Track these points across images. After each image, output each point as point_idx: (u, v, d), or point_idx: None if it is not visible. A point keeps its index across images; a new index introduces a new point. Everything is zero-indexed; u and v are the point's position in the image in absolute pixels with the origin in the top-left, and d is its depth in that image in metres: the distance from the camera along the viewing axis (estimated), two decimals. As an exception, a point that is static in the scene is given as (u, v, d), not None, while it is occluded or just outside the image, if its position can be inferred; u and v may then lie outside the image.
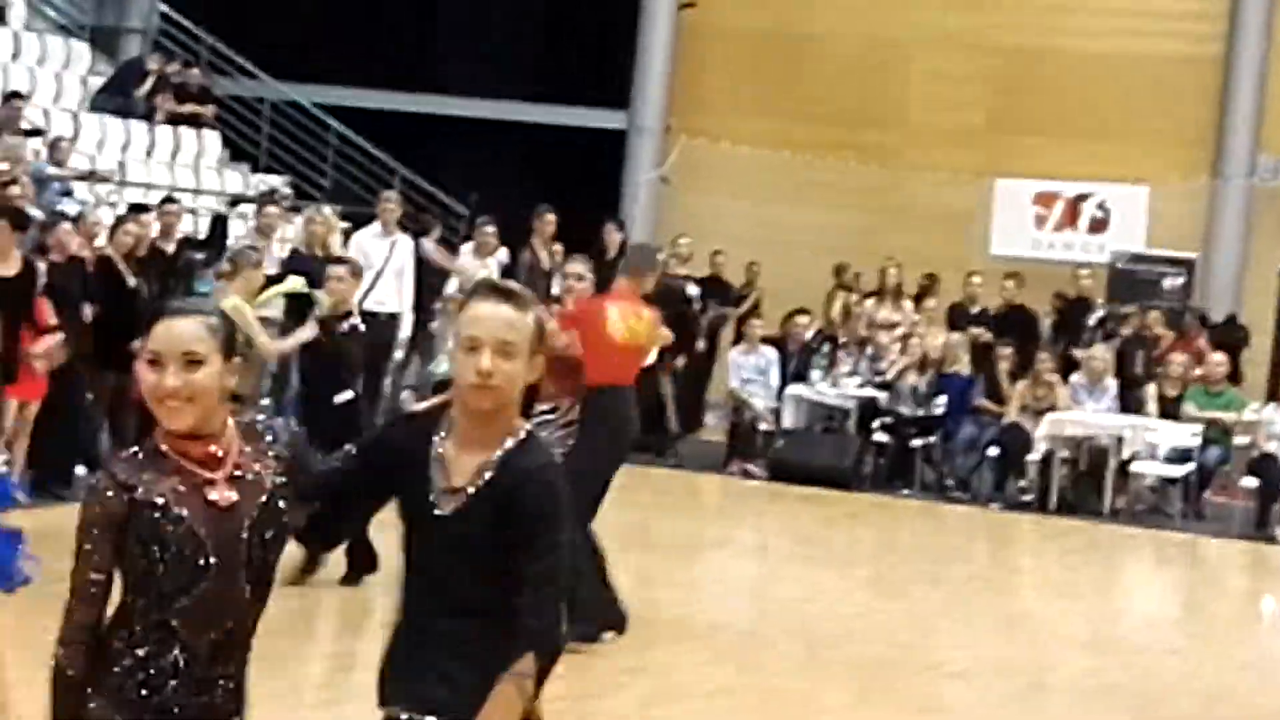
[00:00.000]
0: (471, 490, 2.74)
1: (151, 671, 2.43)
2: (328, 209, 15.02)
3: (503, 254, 14.23)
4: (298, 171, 17.53)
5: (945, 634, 9.81)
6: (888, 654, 8.68)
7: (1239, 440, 14.20)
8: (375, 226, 13.98)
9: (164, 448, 2.44)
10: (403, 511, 2.85)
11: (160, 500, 2.39)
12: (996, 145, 16.81)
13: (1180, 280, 15.68)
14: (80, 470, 10.56)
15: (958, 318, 15.15)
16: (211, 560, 2.38)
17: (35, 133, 14.94)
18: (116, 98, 17.07)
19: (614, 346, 7.23)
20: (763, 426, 14.99)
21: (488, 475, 2.73)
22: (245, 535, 2.42)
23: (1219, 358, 14.63)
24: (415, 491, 2.76)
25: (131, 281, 11.56)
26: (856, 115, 17.10)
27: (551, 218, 14.48)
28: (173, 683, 2.43)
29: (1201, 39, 16.26)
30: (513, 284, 3.15)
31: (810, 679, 7.86)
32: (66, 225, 11.64)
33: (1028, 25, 17.01)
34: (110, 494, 2.39)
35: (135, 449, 2.55)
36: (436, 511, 2.77)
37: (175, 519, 2.44)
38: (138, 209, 13.07)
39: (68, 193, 14.20)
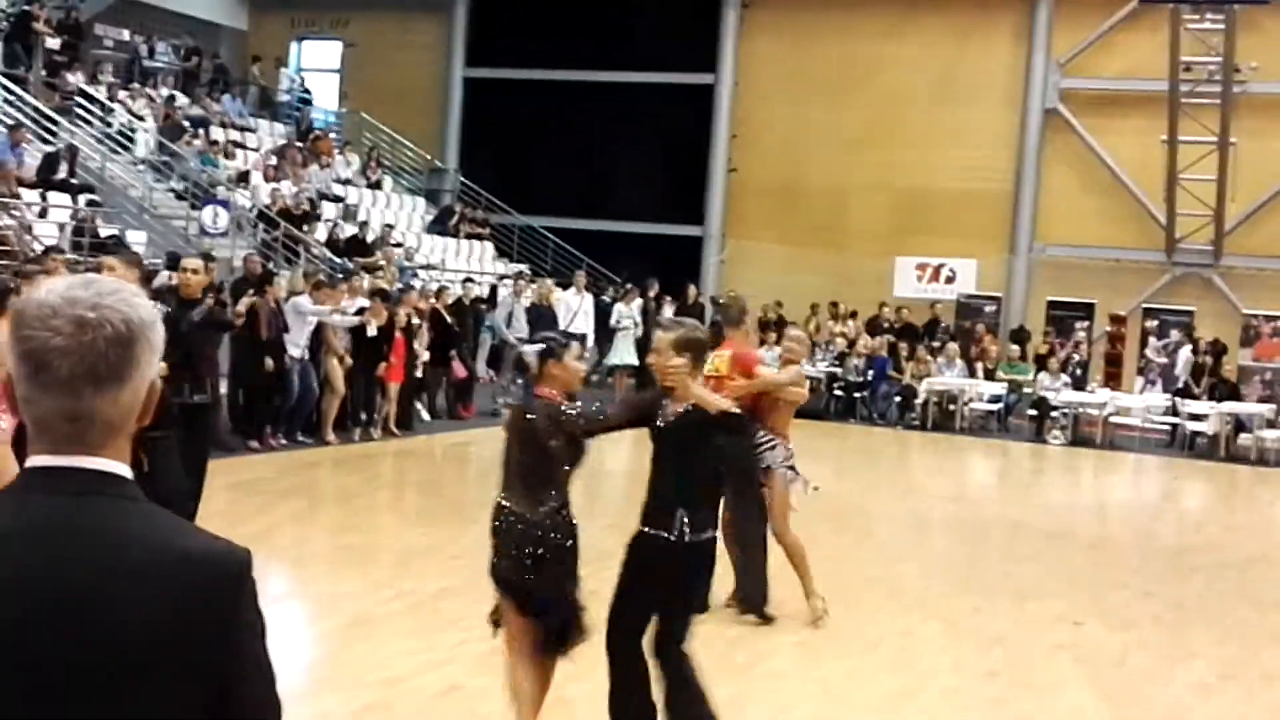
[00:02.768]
0: (673, 417, 4.91)
1: None
2: (549, 281, 20.75)
3: (637, 303, 21.08)
4: (533, 261, 24.37)
5: (875, 491, 14.19)
6: (836, 503, 11.26)
7: (1025, 391, 21.01)
8: (572, 290, 20.49)
9: None
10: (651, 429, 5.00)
11: None
12: (897, 240, 24.16)
13: (994, 308, 23.52)
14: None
15: (875, 329, 22.52)
16: None
17: (398, 245, 21.91)
18: (438, 225, 24.65)
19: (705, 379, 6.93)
20: None
21: (682, 410, 4.85)
22: None
23: (1015, 347, 22.00)
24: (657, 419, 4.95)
25: (449, 319, 16.98)
26: (824, 226, 24.89)
27: (656, 284, 21.83)
28: None
29: (1002, 181, 24.28)
30: (668, 319, 5.99)
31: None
32: (413, 294, 16.87)
33: (913, 176, 24.54)
34: None
35: None
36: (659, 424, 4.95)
37: None
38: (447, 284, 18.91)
39: (415, 275, 20.54)
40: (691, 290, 22.59)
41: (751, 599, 7.85)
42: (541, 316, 18.05)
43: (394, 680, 6.47)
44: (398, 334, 15.07)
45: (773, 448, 7.73)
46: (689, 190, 26.43)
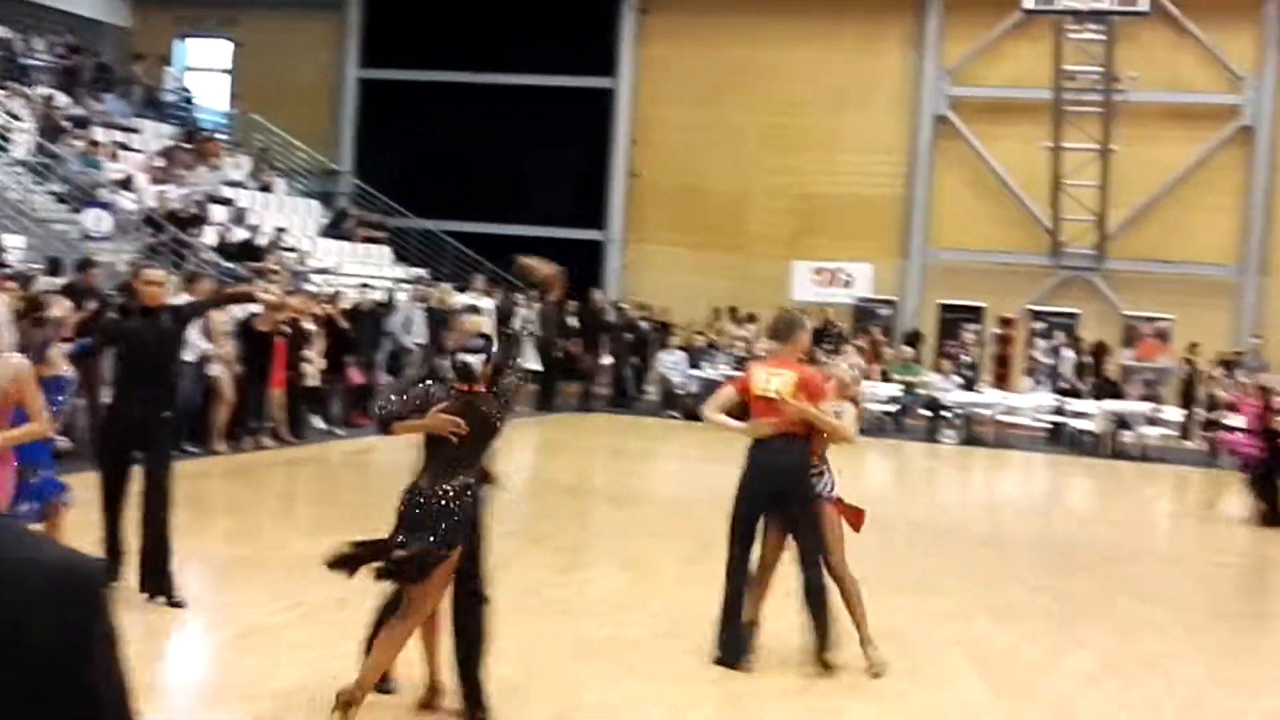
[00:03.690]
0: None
1: None
2: (448, 285, 21.06)
3: (537, 307, 20.42)
4: (433, 266, 24.04)
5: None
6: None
7: (919, 391, 21.27)
8: (471, 293, 20.56)
9: None
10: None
11: None
12: (796, 244, 24.44)
13: (889, 312, 24.03)
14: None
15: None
16: None
17: (291, 249, 21.25)
18: (333, 229, 24.14)
19: (755, 398, 7.07)
20: (679, 391, 21.97)
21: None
22: None
23: (909, 350, 22.45)
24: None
25: (345, 325, 16.99)
26: (724, 230, 25.22)
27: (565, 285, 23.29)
28: None
29: (895, 186, 24.81)
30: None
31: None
32: (301, 298, 16.16)
33: (811, 181, 24.99)
34: None
35: None
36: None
37: None
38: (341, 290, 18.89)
39: (306, 280, 19.66)
40: (594, 294, 22.80)
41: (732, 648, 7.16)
42: (440, 322, 18.04)
43: (287, 692, 6.38)
44: (278, 339, 14.84)
45: (820, 474, 7.25)
46: (590, 194, 26.66)
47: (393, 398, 5.96)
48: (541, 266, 6.71)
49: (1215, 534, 13.92)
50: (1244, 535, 13.98)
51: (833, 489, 7.30)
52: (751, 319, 23.49)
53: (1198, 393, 21.30)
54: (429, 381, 5.87)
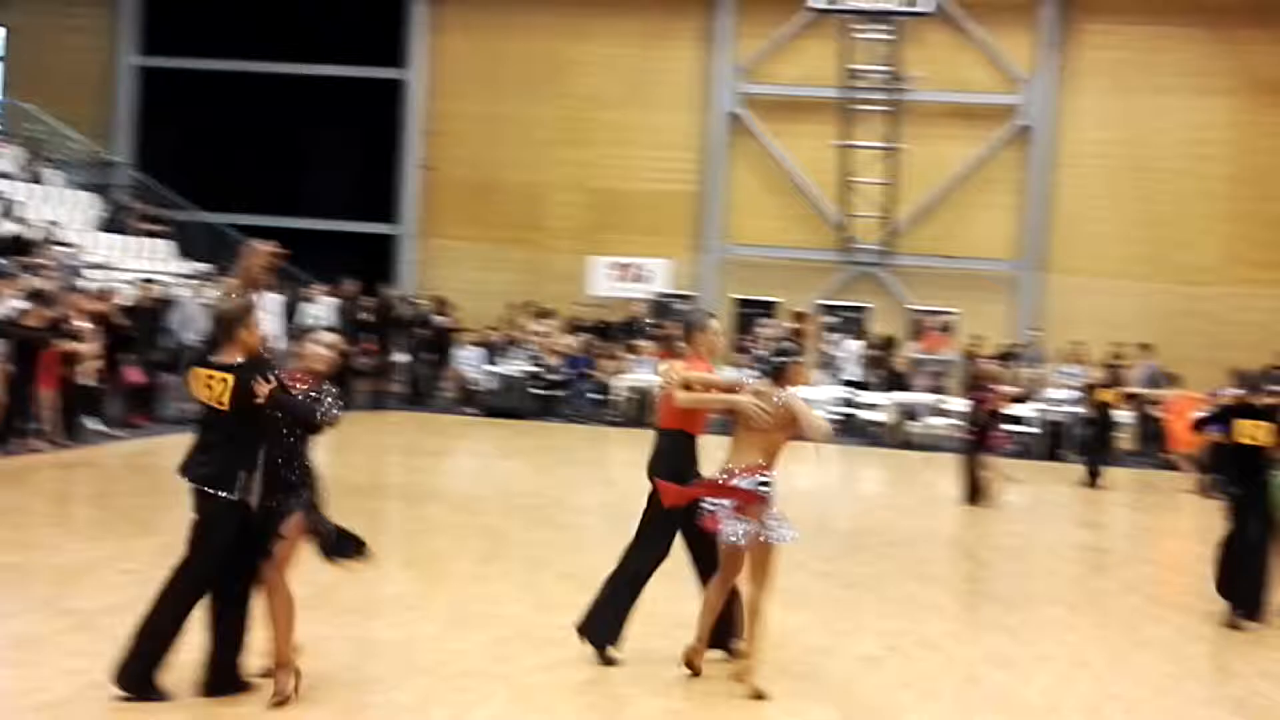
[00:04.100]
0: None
1: None
2: (234, 280, 22.24)
3: (330, 301, 21.28)
4: (219, 261, 21.75)
5: (573, 486, 14.85)
6: (534, 499, 13.28)
7: None
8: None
9: None
10: None
11: None
12: (593, 239, 24.61)
13: (687, 305, 22.95)
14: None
15: (574, 328, 22.95)
16: None
17: (64, 244, 20.26)
18: (111, 222, 23.19)
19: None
20: (476, 388, 21.99)
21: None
22: None
23: None
24: None
25: (125, 322, 16.56)
26: (521, 224, 25.09)
27: (351, 283, 21.93)
28: None
29: (690, 182, 25.00)
30: None
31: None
32: (77, 295, 16.12)
33: (607, 176, 25.05)
34: None
35: None
36: None
37: None
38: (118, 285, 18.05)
39: (80, 275, 18.79)
40: (384, 291, 22.62)
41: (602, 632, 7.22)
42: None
43: (54, 703, 6.14)
44: (54, 340, 14.41)
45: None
46: (383, 187, 26.20)
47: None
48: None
49: (995, 518, 14.44)
50: (1021, 518, 14.58)
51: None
52: (549, 314, 23.53)
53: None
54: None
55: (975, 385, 15.72)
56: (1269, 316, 22.92)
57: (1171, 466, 19.01)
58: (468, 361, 22.47)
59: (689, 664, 7.24)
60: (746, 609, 6.91)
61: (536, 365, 22.26)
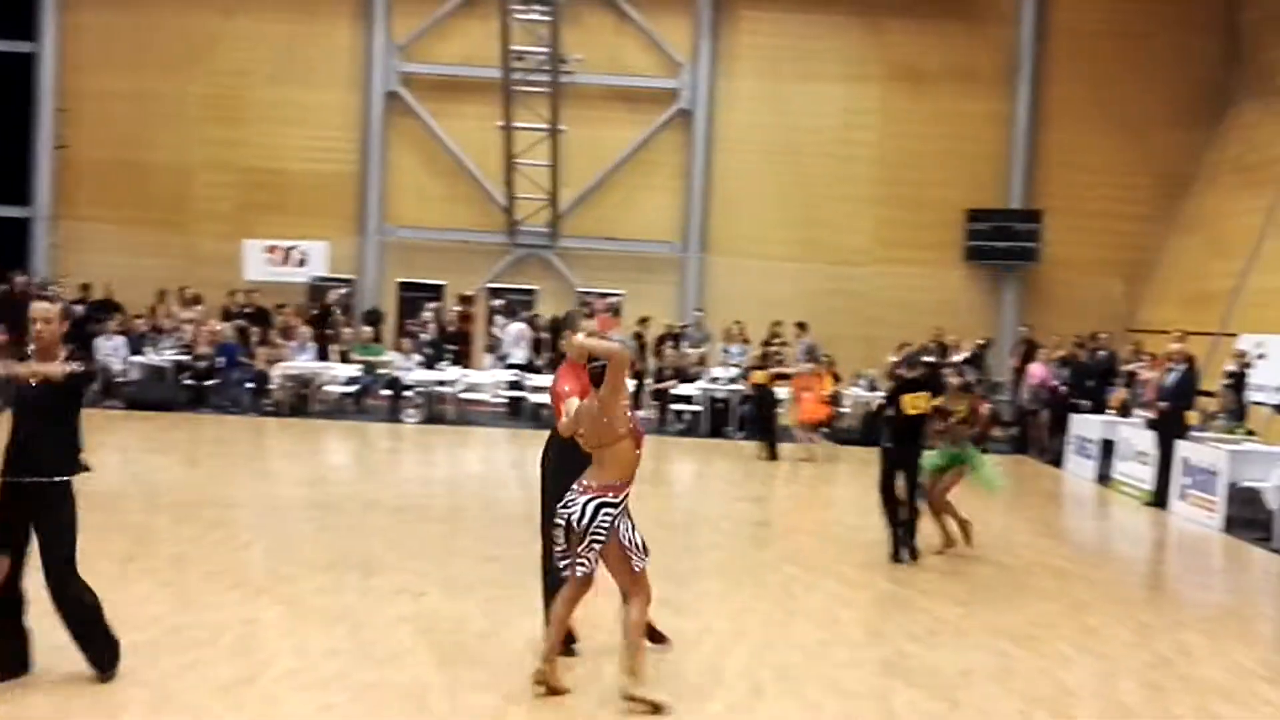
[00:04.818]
0: None
1: None
2: None
3: None
4: None
5: (226, 480, 14.18)
6: (183, 495, 12.99)
7: (380, 371, 21.14)
8: None
9: None
10: None
11: None
12: (246, 221, 23.84)
13: (346, 290, 23.42)
14: None
15: (227, 314, 21.98)
16: None
17: None
18: None
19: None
20: (120, 380, 20.66)
21: None
22: None
23: (369, 329, 21.75)
24: None
25: None
26: (168, 207, 24.07)
27: None
28: None
29: (349, 163, 24.40)
30: None
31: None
32: None
33: (259, 156, 24.27)
34: None
35: None
36: None
37: None
38: None
39: None
40: (14, 279, 21.13)
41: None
42: None
43: None
44: None
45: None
46: (12, 168, 24.47)
47: None
48: None
49: (663, 495, 14.55)
50: (687, 494, 14.72)
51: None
52: (198, 300, 22.41)
53: (648, 363, 22.33)
54: None
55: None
56: (914, 295, 24.27)
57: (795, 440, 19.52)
58: (110, 352, 21.05)
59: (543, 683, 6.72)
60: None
61: (185, 354, 21.18)
